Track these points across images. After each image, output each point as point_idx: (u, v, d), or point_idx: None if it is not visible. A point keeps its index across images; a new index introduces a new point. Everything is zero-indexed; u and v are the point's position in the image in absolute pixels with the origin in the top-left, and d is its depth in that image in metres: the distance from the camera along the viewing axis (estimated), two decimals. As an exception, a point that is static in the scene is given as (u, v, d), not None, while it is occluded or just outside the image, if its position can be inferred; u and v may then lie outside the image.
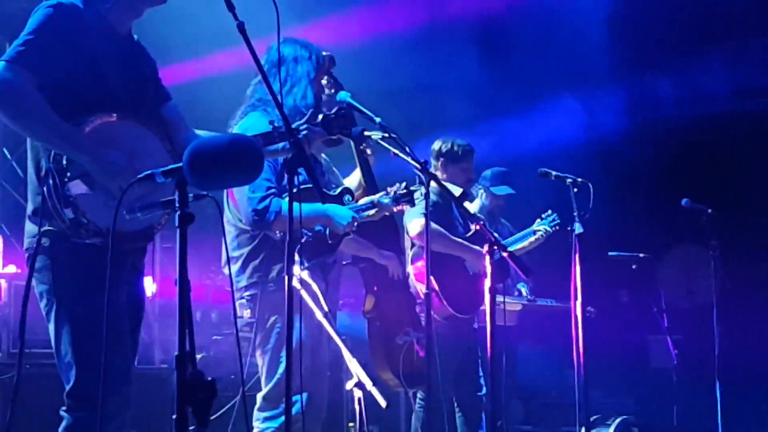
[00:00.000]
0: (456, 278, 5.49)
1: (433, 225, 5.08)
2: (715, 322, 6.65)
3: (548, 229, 6.20)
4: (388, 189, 4.32)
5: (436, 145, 5.68)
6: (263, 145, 3.19)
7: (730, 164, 8.63)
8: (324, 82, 4.15)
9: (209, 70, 7.52)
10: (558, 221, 6.23)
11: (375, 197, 4.20)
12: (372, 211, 4.13)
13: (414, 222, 5.18)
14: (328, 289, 4.01)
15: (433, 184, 4.21)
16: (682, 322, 8.07)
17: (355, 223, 4.00)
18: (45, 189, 2.85)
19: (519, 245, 6.09)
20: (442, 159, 5.65)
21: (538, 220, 6.28)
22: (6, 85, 2.82)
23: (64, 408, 2.92)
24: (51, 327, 2.96)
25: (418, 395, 5.45)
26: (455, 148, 5.65)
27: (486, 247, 4.08)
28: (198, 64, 7.54)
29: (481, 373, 5.66)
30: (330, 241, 4.01)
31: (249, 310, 3.88)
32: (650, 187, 8.64)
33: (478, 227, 4.21)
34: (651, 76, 8.74)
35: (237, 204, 3.85)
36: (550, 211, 6.33)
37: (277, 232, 3.82)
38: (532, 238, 6.19)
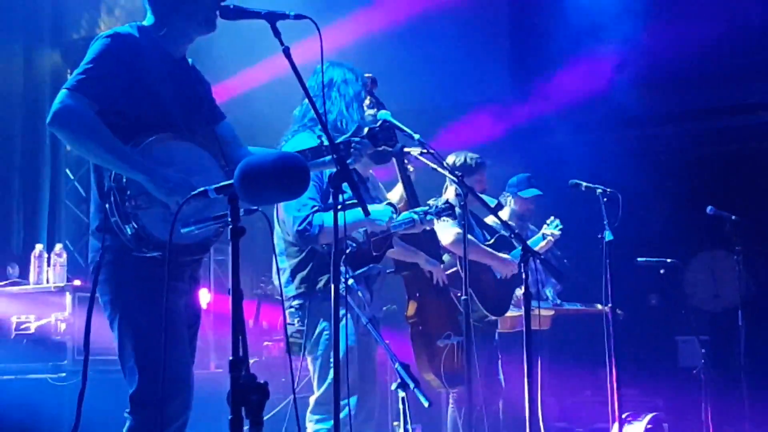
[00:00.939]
0: (485, 283, 5.49)
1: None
2: (741, 323, 6.58)
3: (556, 233, 6.15)
4: (430, 203, 4.29)
5: (450, 159, 5.62)
6: (311, 158, 3.17)
7: (753, 173, 8.54)
8: (366, 102, 4.13)
9: (246, 86, 7.55)
10: (561, 226, 6.18)
11: (417, 212, 4.15)
12: (411, 225, 4.10)
13: (447, 231, 5.15)
14: (372, 299, 3.99)
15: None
16: (709, 323, 7.98)
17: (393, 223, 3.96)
18: (107, 206, 2.86)
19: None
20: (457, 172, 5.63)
21: (545, 226, 6.24)
22: (68, 112, 2.84)
23: (127, 410, 2.92)
24: (115, 335, 2.97)
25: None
26: (468, 161, 5.61)
27: (520, 255, 4.05)
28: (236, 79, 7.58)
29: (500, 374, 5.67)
30: (375, 253, 3.98)
31: (298, 319, 3.86)
32: (676, 196, 8.54)
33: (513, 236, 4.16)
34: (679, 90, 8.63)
35: (283, 219, 3.84)
36: (552, 217, 6.28)
37: (323, 244, 3.80)
38: (543, 243, 6.14)
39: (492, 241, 5.74)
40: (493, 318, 5.63)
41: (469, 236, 5.18)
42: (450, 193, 5.75)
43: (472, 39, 8.62)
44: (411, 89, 7.79)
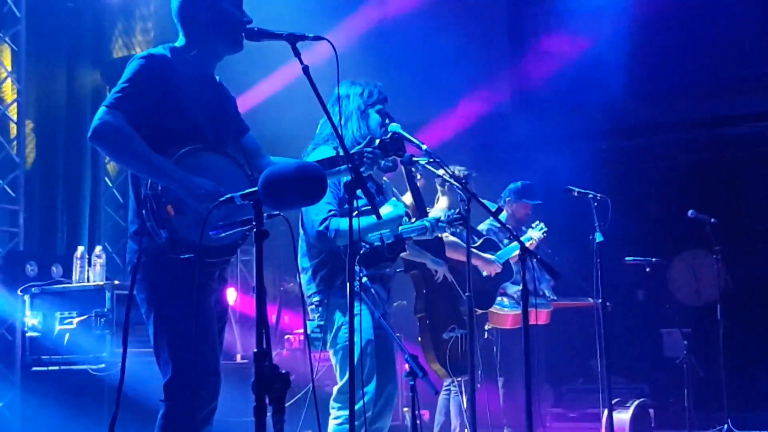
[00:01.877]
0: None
1: (451, 237, 5.07)
2: (719, 316, 6.55)
3: (540, 235, 6.11)
4: (448, 214, 4.26)
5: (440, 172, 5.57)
6: (328, 167, 3.16)
7: (730, 179, 8.51)
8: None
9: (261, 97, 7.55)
10: (545, 229, 6.15)
11: (430, 220, 4.12)
12: (422, 231, 4.07)
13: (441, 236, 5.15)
14: (389, 297, 3.98)
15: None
16: (690, 317, 7.94)
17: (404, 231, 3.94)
18: (144, 212, 2.86)
19: (515, 252, 5.97)
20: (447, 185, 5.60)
21: (530, 229, 6.20)
22: (107, 127, 2.84)
23: (161, 398, 2.91)
24: (150, 329, 2.96)
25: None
26: (457, 173, 5.56)
27: (517, 255, 4.04)
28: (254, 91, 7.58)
29: None
30: (388, 255, 3.96)
31: (318, 314, 3.85)
32: (661, 201, 8.51)
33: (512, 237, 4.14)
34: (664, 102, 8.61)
35: (305, 224, 3.84)
36: (538, 221, 6.23)
37: (340, 246, 3.78)
38: (527, 244, 6.09)
39: (479, 242, 5.74)
40: (480, 312, 5.63)
41: (453, 238, 5.19)
42: (443, 202, 5.74)
43: (473, 50, 8.62)
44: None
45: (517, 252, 5.91)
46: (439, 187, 5.73)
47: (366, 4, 7.97)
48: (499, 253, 5.82)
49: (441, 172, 4.01)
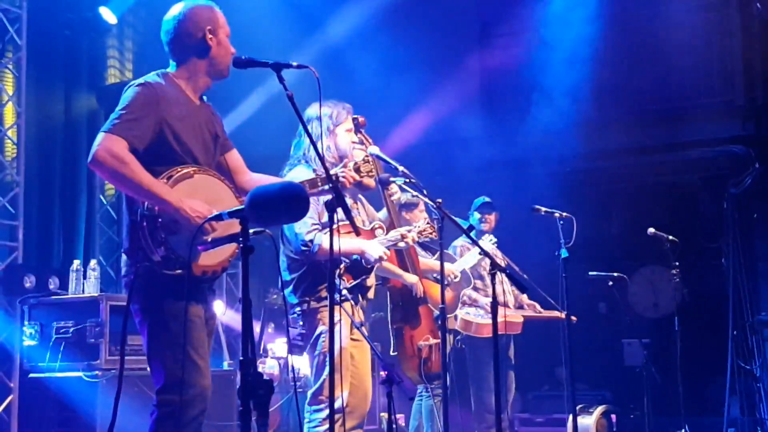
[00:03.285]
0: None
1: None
2: (677, 327, 6.60)
3: (491, 246, 6.12)
4: (416, 224, 4.30)
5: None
6: (309, 188, 3.20)
7: (685, 200, 8.61)
8: (356, 139, 4.14)
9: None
10: (496, 240, 6.19)
11: (401, 231, 4.15)
12: (399, 240, 4.11)
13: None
14: (366, 307, 4.00)
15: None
16: (649, 328, 8.00)
17: (385, 257, 3.97)
18: (140, 232, 2.86)
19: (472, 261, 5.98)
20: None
21: (480, 240, 6.19)
22: (105, 152, 2.84)
23: (154, 403, 2.92)
24: (144, 339, 2.97)
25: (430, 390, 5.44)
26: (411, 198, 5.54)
27: (489, 268, 4.06)
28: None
29: None
30: (367, 266, 4.00)
31: (301, 324, 3.87)
32: (622, 220, 8.60)
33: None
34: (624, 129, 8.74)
35: (288, 238, 3.86)
36: (489, 235, 6.25)
37: (323, 260, 3.81)
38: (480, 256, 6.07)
39: (435, 257, 5.70)
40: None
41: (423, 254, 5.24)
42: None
43: (445, 81, 8.71)
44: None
45: (480, 261, 5.98)
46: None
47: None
48: (456, 263, 5.83)
49: (415, 192, 4.05)
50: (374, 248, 3.89)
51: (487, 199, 6.49)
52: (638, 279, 7.25)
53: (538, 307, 6.46)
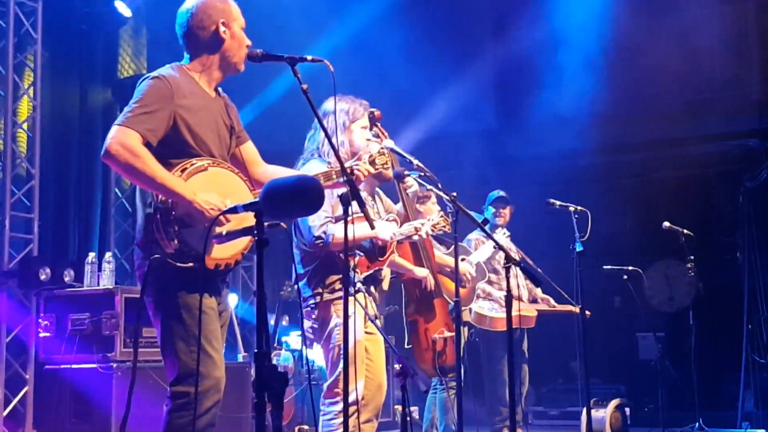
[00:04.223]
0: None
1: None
2: (691, 322, 6.57)
3: (504, 239, 6.06)
4: (430, 218, 4.28)
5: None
6: (324, 180, 3.18)
7: (701, 194, 8.56)
8: (370, 136, 4.12)
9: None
10: (509, 234, 6.10)
11: (415, 224, 4.15)
12: (413, 232, 4.10)
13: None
14: (379, 299, 3.99)
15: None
16: (664, 322, 7.96)
17: (396, 236, 3.96)
18: (154, 225, 2.85)
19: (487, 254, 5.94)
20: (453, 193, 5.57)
21: (495, 235, 6.14)
22: (118, 145, 2.82)
23: (168, 394, 2.92)
24: (158, 331, 2.97)
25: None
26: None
27: (503, 262, 4.04)
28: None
29: None
30: (379, 258, 3.98)
31: (314, 316, 3.86)
32: (637, 213, 8.55)
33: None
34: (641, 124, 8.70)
35: (302, 231, 3.85)
36: (505, 230, 6.15)
37: (337, 252, 3.80)
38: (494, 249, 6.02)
39: (450, 250, 5.70)
40: (463, 308, 5.62)
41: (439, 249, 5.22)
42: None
43: (460, 73, 8.69)
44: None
45: (495, 254, 5.95)
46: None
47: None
48: (471, 256, 5.82)
49: (430, 186, 4.03)
50: (384, 229, 3.87)
51: (502, 193, 6.46)
52: (653, 273, 7.21)
53: (551, 301, 6.42)
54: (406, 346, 4.76)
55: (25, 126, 6.45)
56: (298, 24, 7.42)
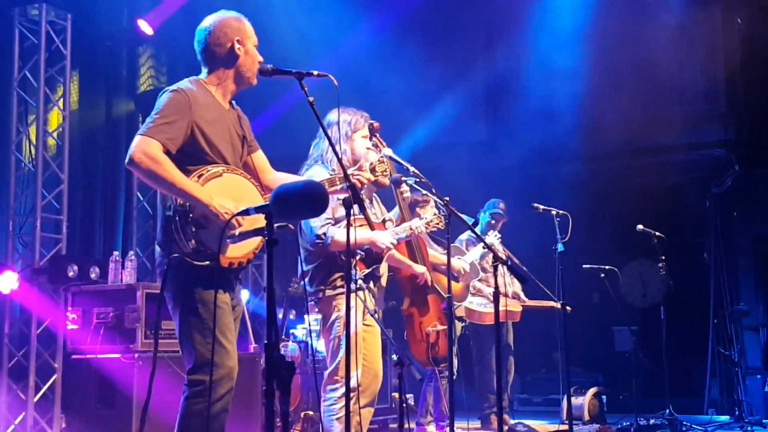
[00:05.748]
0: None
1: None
2: (663, 316, 6.56)
3: (495, 242, 6.05)
4: (421, 215, 4.27)
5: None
6: (328, 186, 3.17)
7: (671, 199, 8.56)
8: (370, 145, 4.10)
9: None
10: (500, 235, 6.14)
11: (410, 224, 4.14)
12: (408, 232, 4.09)
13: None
14: (378, 294, 3.98)
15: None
16: (638, 316, 7.95)
17: (394, 244, 3.95)
18: (173, 226, 2.85)
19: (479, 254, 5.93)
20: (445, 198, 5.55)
21: (486, 236, 6.10)
22: (141, 154, 2.81)
23: (185, 382, 2.91)
24: (176, 323, 2.95)
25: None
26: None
27: (490, 260, 4.05)
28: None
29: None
30: (378, 255, 3.96)
31: (318, 309, 3.84)
32: (614, 217, 8.55)
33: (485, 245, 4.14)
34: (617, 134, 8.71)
35: (304, 232, 3.84)
36: (497, 233, 6.21)
37: (335, 252, 3.78)
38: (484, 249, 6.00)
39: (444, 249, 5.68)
40: (457, 305, 5.64)
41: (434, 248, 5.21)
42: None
43: (452, 87, 8.71)
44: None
45: (485, 253, 5.94)
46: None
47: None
48: (465, 256, 5.82)
49: (425, 191, 4.02)
50: (383, 238, 3.86)
51: (501, 208, 6.47)
52: (628, 271, 7.19)
53: (523, 297, 6.48)
54: (404, 339, 4.74)
55: (55, 134, 6.43)
56: (298, 45, 7.40)
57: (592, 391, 6.71)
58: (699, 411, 7.81)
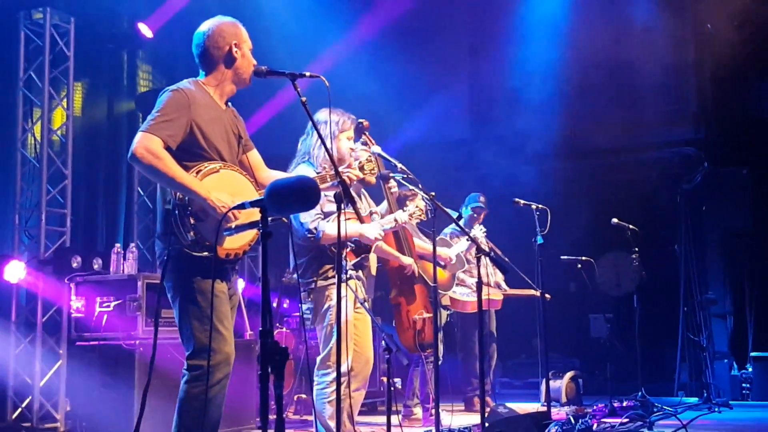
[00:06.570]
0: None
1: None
2: (636, 305, 6.60)
3: (480, 235, 6.05)
4: (405, 208, 4.28)
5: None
6: (319, 183, 3.17)
7: (644, 195, 8.61)
8: (354, 146, 4.10)
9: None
10: (485, 230, 6.08)
11: (394, 216, 4.14)
12: (393, 224, 4.09)
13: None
14: (367, 284, 3.98)
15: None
16: (612, 305, 8.01)
17: (380, 237, 3.96)
18: (172, 219, 2.84)
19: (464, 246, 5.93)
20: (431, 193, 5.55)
21: (471, 230, 6.11)
22: (142, 149, 2.81)
23: (185, 367, 2.91)
24: (175, 311, 2.95)
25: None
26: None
27: (474, 253, 4.06)
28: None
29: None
30: (366, 246, 3.97)
31: (310, 299, 3.85)
32: (590, 211, 8.58)
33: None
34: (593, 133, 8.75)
35: (294, 227, 3.84)
36: (482, 226, 6.15)
37: (326, 245, 3.79)
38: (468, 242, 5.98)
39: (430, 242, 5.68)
40: (443, 293, 5.72)
41: (421, 239, 5.22)
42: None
43: (439, 92, 8.72)
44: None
45: (470, 246, 5.96)
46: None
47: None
48: (451, 248, 5.83)
49: (412, 186, 4.03)
50: (371, 230, 3.87)
51: (482, 201, 6.49)
52: (603, 262, 7.24)
53: (505, 286, 6.53)
54: (394, 322, 4.75)
55: (59, 132, 6.40)
56: (292, 49, 7.36)
57: (569, 374, 6.75)
58: (669, 393, 7.88)
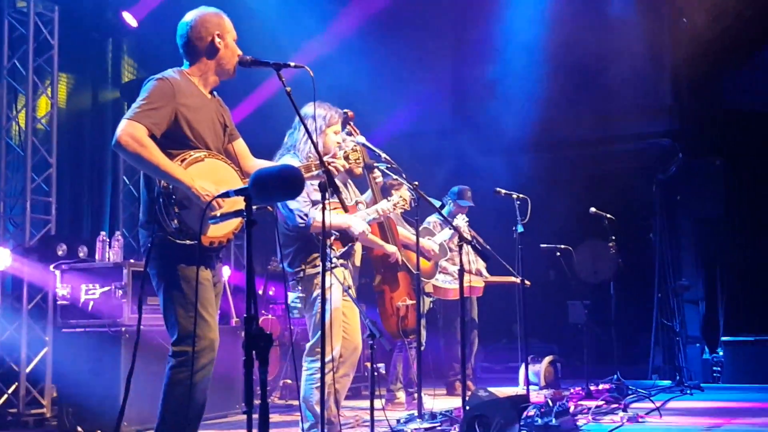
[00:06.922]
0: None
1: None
2: (612, 292, 6.65)
3: (463, 225, 6.05)
4: (389, 198, 4.26)
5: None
6: (304, 172, 3.14)
7: (621, 185, 8.67)
8: (345, 130, 4.07)
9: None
10: (467, 219, 6.14)
11: (378, 206, 4.12)
12: (377, 215, 4.08)
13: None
14: (353, 271, 3.96)
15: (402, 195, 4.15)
16: (590, 292, 8.06)
17: (367, 230, 3.94)
18: (157, 207, 2.81)
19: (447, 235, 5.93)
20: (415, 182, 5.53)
21: (454, 219, 6.09)
22: (127, 137, 2.76)
23: (170, 353, 2.88)
24: (160, 299, 2.92)
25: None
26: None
27: (456, 241, 4.07)
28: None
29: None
30: (352, 236, 3.95)
31: (299, 288, 3.82)
32: (569, 200, 8.63)
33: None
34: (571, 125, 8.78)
35: (284, 215, 3.80)
36: (464, 216, 6.20)
37: (314, 233, 3.76)
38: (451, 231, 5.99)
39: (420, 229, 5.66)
40: (426, 281, 5.71)
41: (406, 229, 5.22)
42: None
43: (422, 83, 8.70)
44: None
45: (453, 235, 5.97)
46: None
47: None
48: (435, 237, 5.84)
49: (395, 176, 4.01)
50: (358, 224, 3.85)
51: (468, 197, 6.50)
52: (581, 250, 7.27)
53: (486, 273, 6.55)
54: (378, 309, 4.74)
55: (43, 121, 6.29)
56: (275, 40, 7.29)
57: (547, 359, 6.80)
58: (644, 376, 7.97)
